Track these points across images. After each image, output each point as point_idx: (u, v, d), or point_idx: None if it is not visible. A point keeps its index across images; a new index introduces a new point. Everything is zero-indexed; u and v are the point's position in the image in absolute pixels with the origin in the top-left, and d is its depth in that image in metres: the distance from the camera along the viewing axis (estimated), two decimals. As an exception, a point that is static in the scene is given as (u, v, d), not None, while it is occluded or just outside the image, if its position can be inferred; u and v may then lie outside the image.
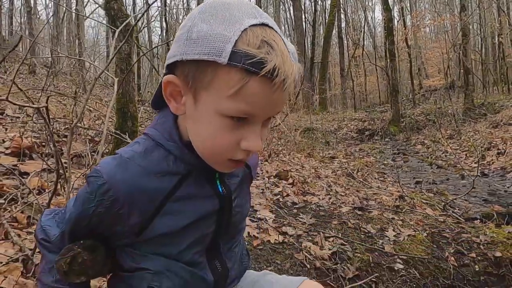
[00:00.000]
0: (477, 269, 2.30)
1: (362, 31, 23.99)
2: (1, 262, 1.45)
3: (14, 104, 1.11)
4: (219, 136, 0.70)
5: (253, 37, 0.65)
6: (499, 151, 6.11)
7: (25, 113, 4.21)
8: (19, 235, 1.68)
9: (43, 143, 3.02)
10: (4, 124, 3.70)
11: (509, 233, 2.58)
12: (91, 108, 5.01)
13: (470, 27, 16.31)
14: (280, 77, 0.64)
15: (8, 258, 1.48)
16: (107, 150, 2.71)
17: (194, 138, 0.74)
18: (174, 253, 0.79)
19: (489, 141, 6.84)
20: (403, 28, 17.31)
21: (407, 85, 20.77)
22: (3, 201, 1.93)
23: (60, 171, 1.57)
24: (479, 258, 2.37)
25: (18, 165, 2.51)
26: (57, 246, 0.79)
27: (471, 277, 2.25)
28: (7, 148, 2.77)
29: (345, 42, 24.23)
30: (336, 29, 20.77)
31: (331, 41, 18.82)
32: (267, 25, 0.68)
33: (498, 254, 2.38)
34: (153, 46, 18.10)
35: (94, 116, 5.18)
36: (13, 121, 4.02)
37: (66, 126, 3.83)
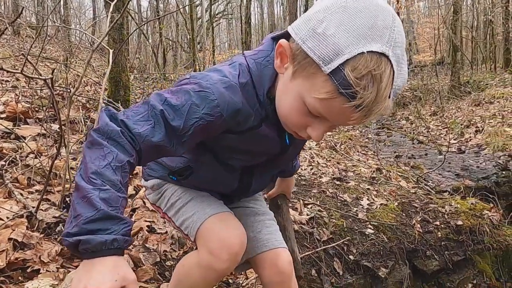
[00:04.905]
0: (439, 236, 2.54)
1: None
2: (8, 218, 1.60)
3: (27, 76, 1.21)
4: (294, 115, 0.82)
5: (364, 65, 0.68)
6: (477, 129, 6.37)
7: (14, 77, 4.23)
8: (21, 194, 1.82)
9: (37, 109, 3.10)
10: (-5, 88, 3.74)
11: (472, 204, 2.83)
12: (80, 74, 5.03)
13: (464, 3, 16.27)
14: (362, 112, 0.71)
15: (14, 214, 1.63)
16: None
17: (277, 100, 0.86)
18: (225, 157, 1.00)
19: (469, 119, 7.08)
20: (396, 2, 17.18)
21: (397, 60, 20.75)
22: (3, 163, 2.05)
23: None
24: (442, 226, 2.61)
25: (14, 129, 2.61)
26: (141, 142, 0.78)
27: (433, 242, 2.49)
28: (1, 112, 2.86)
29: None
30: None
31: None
32: (386, 56, 0.69)
33: (459, 222, 2.62)
34: (144, 13, 17.64)
35: (84, 82, 5.20)
36: (2, 85, 4.05)
37: (57, 92, 3.89)
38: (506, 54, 13.30)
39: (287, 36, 0.81)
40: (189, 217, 1.04)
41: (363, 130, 7.96)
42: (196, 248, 1.04)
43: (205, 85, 0.82)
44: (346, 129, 7.98)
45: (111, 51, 2.00)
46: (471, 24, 19.44)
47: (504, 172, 4.17)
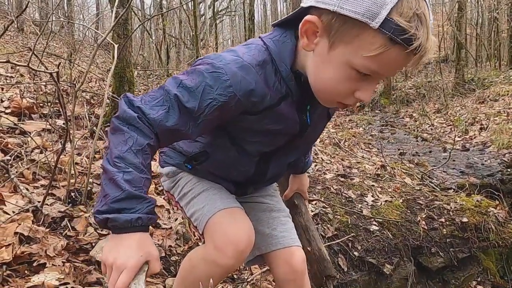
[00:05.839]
0: (444, 232, 2.53)
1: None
2: (14, 212, 1.60)
3: (34, 70, 1.21)
4: (341, 83, 0.81)
5: (407, 7, 0.70)
6: (482, 126, 6.33)
7: (18, 73, 4.24)
8: (27, 189, 1.82)
9: (41, 104, 3.11)
10: None
11: (477, 201, 2.82)
12: (84, 70, 5.04)
13: (468, 0, 16.16)
14: (420, 53, 0.72)
15: (19, 208, 1.63)
16: (105, 112, 2.82)
17: (315, 76, 0.84)
18: (244, 141, 0.97)
19: (473, 117, 7.05)
20: None
21: (401, 57, 20.69)
22: (9, 158, 2.06)
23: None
24: (447, 223, 2.60)
25: (19, 124, 2.62)
26: (157, 126, 0.81)
27: (438, 239, 2.48)
28: (6, 108, 2.86)
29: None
30: None
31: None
32: None
33: (464, 219, 2.61)
34: (147, 10, 17.60)
35: (88, 78, 5.21)
36: (7, 80, 4.06)
37: (62, 87, 3.89)
38: (511, 51, 13.21)
39: (296, 17, 0.83)
40: (199, 209, 1.03)
41: (367, 128, 7.94)
42: (204, 242, 1.03)
43: (218, 65, 0.82)
44: (349, 127, 7.96)
45: (116, 46, 1.99)
46: (475, 21, 19.32)
47: (509, 170, 4.15)
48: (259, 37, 0.91)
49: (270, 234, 1.12)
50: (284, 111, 0.91)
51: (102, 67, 5.26)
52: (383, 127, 8.24)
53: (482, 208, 2.76)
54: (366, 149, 5.01)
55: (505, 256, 3.15)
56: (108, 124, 2.90)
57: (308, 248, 1.41)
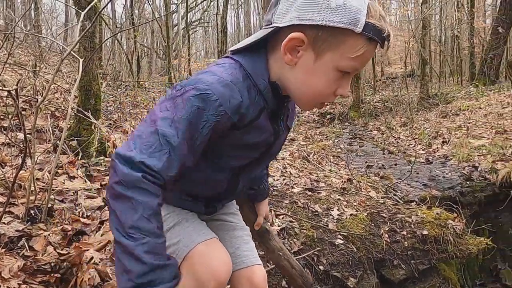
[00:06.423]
0: (406, 245, 2.62)
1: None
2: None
3: (-11, 89, 1.18)
4: (328, 86, 0.91)
5: (374, 11, 0.84)
6: (444, 140, 6.61)
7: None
8: (-18, 207, 1.75)
9: (2, 117, 3.00)
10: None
11: (437, 214, 2.93)
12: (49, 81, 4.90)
13: (433, 17, 16.97)
14: (389, 44, 0.88)
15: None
16: (69, 126, 2.76)
17: (300, 85, 0.92)
18: (223, 156, 0.99)
19: (436, 130, 7.35)
20: (369, 15, 17.71)
21: (370, 71, 21.42)
22: (-36, 174, 1.98)
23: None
24: (409, 235, 2.69)
25: (-23, 138, 2.52)
26: (165, 175, 0.80)
27: (400, 252, 2.56)
28: (-37, 120, 2.75)
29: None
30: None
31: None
32: None
33: (425, 232, 2.71)
34: (118, 22, 17.38)
35: (53, 88, 5.07)
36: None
37: (25, 100, 3.78)
38: (471, 68, 13.92)
39: (263, 38, 0.91)
40: (173, 244, 1.03)
41: (336, 140, 8.11)
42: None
43: (203, 87, 0.84)
44: (319, 139, 8.11)
45: (81, 60, 1.97)
46: (439, 38, 20.25)
47: (468, 182, 4.34)
48: (228, 56, 0.96)
49: (234, 254, 1.14)
50: (263, 123, 0.96)
51: (69, 77, 5.13)
52: (352, 140, 8.44)
53: (441, 221, 2.88)
54: (335, 162, 5.11)
55: (464, 266, 3.29)
56: (72, 138, 2.83)
57: (289, 266, 1.46)
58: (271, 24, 0.90)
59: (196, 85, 0.85)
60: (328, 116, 12.09)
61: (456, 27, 15.89)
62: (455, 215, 3.05)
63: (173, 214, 1.08)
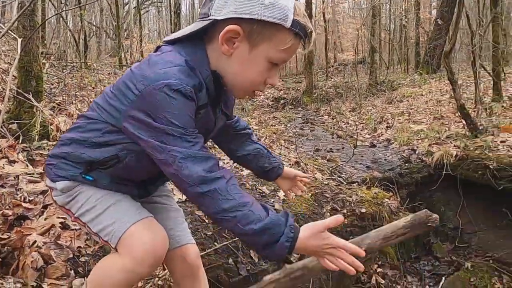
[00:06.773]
0: (346, 222, 2.81)
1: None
2: None
3: None
4: (260, 75, 1.01)
5: (299, 10, 0.96)
6: (388, 125, 7.00)
7: None
8: None
9: None
10: None
11: (375, 194, 3.16)
12: (-13, 60, 4.59)
13: (383, 6, 17.61)
14: (311, 40, 0.99)
15: None
16: (8, 109, 2.64)
17: (236, 74, 1.01)
18: None
19: (382, 116, 7.75)
20: (322, 3, 18.04)
21: (323, 57, 21.88)
22: None
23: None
24: (348, 213, 2.88)
25: None
26: (206, 159, 0.94)
27: (340, 229, 2.75)
28: None
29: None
30: None
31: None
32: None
33: (363, 210, 2.92)
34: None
35: (-9, 68, 4.75)
36: None
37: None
38: (416, 56, 14.67)
39: (201, 30, 0.98)
40: (109, 225, 1.04)
41: (288, 125, 8.31)
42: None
43: (173, 82, 0.91)
44: (272, 124, 8.27)
45: (19, 40, 1.90)
46: (388, 27, 21.04)
47: (407, 164, 4.68)
48: (168, 49, 1.01)
49: (168, 235, 1.16)
50: (209, 111, 1.04)
51: (8, 56, 4.82)
52: (304, 124, 8.69)
53: (378, 199, 3.11)
54: (285, 146, 5.27)
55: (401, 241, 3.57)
56: (12, 121, 2.72)
57: None
58: (208, 17, 0.96)
59: (164, 82, 0.91)
60: (282, 101, 12.31)
61: (403, 17, 16.59)
62: (391, 194, 3.30)
63: (106, 196, 1.08)
